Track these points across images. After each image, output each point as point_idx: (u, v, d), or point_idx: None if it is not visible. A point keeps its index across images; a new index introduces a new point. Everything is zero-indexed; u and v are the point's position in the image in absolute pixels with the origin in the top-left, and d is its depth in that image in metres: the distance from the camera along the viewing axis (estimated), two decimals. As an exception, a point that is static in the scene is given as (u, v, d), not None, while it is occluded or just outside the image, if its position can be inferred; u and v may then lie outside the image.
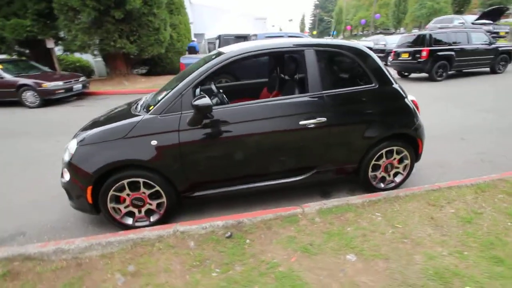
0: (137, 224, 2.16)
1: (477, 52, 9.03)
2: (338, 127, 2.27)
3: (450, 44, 8.77)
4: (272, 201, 2.55)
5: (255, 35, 9.46)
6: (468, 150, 3.57)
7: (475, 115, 5.06)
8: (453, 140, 3.90)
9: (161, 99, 2.05)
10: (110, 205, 2.05)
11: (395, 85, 2.44)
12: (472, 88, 7.51)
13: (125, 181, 2.01)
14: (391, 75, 2.43)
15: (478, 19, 13.63)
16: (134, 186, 2.06)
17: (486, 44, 9.12)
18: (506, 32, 13.20)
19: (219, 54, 2.21)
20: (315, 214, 2.17)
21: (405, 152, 2.52)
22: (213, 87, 2.43)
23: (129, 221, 2.15)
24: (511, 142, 3.74)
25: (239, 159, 2.17)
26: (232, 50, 2.15)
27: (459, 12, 25.23)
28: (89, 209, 2.09)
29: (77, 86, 8.13)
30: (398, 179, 2.62)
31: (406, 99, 2.47)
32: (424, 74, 9.22)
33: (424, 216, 2.15)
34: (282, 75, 3.15)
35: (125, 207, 2.11)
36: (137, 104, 2.46)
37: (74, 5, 8.43)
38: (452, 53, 8.70)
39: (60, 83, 7.63)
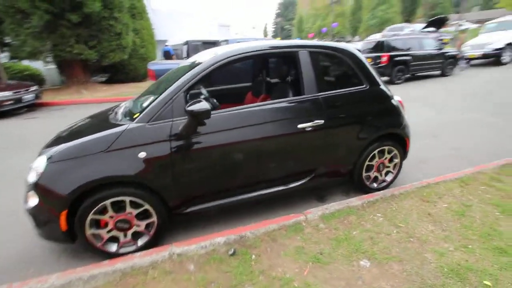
0: (122, 250, 1.88)
1: (429, 57, 9.91)
2: (335, 129, 2.23)
3: (406, 50, 9.52)
4: (268, 211, 2.41)
5: (226, 40, 9.36)
6: (442, 146, 3.80)
7: (440, 114, 5.47)
8: (426, 138, 4.14)
9: (148, 106, 1.83)
10: (89, 232, 1.75)
11: (382, 86, 2.48)
12: (429, 90, 8.18)
13: (107, 202, 1.73)
14: (378, 76, 2.47)
15: (425, 27, 15.07)
16: (118, 207, 1.79)
17: (436, 49, 10.06)
18: (451, 39, 14.74)
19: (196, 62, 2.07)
20: (318, 220, 2.09)
21: (395, 151, 2.57)
22: (203, 90, 2.25)
23: (113, 247, 1.86)
24: (477, 137, 4.06)
25: (237, 167, 2.02)
26: (227, 50, 2.00)
27: (408, 21, 27.73)
28: (63, 238, 1.77)
29: (28, 97, 7.26)
30: (389, 178, 2.65)
31: (393, 100, 2.53)
32: (385, 78, 9.86)
33: (422, 213, 2.18)
34: (268, 79, 3.07)
35: (108, 232, 1.82)
36: (116, 112, 2.18)
37: (22, 7, 7.57)
38: (409, 58, 9.44)
39: (8, 93, 6.75)
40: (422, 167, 3.19)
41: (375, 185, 2.61)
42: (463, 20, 18.69)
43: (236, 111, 1.98)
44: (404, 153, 2.64)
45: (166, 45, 10.58)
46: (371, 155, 2.46)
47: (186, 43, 9.78)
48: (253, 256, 1.78)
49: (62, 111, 7.38)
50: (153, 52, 12.92)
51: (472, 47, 11.62)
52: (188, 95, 1.90)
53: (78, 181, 1.64)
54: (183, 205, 1.97)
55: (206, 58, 2.02)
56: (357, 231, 1.98)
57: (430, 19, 15.69)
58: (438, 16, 15.39)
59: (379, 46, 9.85)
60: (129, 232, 1.87)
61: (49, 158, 1.69)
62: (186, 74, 1.89)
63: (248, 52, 2.02)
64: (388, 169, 2.63)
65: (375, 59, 9.69)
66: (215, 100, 2.18)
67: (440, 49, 10.17)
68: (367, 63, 2.42)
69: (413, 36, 10.22)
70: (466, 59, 11.33)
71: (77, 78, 10.21)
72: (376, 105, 2.41)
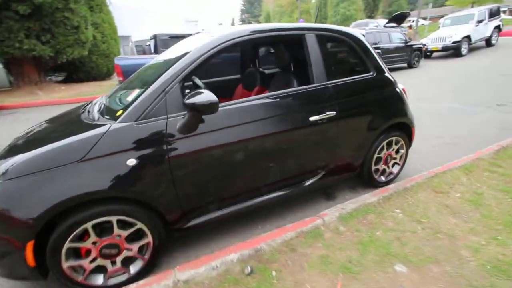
0: (111, 282, 1.50)
1: (397, 50, 10.30)
2: (347, 120, 2.03)
3: (376, 43, 9.77)
4: (273, 215, 2.16)
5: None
6: (426, 135, 3.80)
7: (413, 104, 5.58)
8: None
9: (134, 100, 1.46)
10: (66, 264, 1.36)
11: (387, 73, 2.34)
12: (399, 81, 8.45)
13: (88, 224, 1.35)
14: (383, 64, 2.32)
15: (387, 22, 15.77)
16: (102, 229, 1.42)
17: (403, 42, 10.48)
18: (408, 33, 15.61)
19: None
20: (337, 223, 1.87)
21: (402, 142, 2.45)
22: (198, 81, 1.90)
23: (99, 280, 1.48)
24: (457, 125, 4.16)
25: (246, 168, 1.73)
26: (228, 32, 1.69)
27: (371, 17, 28.97)
28: (30, 275, 1.36)
29: (-32, 100, 6.20)
30: (395, 169, 2.53)
31: (397, 87, 2.40)
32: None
33: (439, 205, 2.07)
34: (261, 69, 2.79)
35: (91, 262, 1.43)
36: (90, 111, 1.77)
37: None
38: (379, 51, 9.70)
39: None
40: (414, 156, 3.14)
41: (383, 178, 2.47)
42: (413, 17, 19.87)
43: (243, 104, 1.68)
44: (409, 143, 2.54)
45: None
46: (380, 146, 2.31)
47: (154, 37, 9.10)
48: (274, 273, 1.52)
49: (14, 115, 6.44)
50: (116, 48, 11.91)
51: (432, 40, 12.31)
52: (183, 86, 1.57)
53: (46, 203, 1.24)
54: (184, 219, 1.64)
55: (199, 43, 1.69)
56: (381, 231, 1.80)
57: (393, 15, 16.45)
58: (400, 12, 16.15)
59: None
60: (118, 259, 1.50)
61: (2, 175, 1.27)
62: (180, 61, 1.55)
63: (253, 34, 1.73)
64: (395, 160, 2.50)
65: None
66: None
67: (407, 42, 10.61)
68: (373, 49, 2.25)
69: (382, 30, 10.55)
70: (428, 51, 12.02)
71: (29, 78, 9.04)
72: (383, 94, 2.26)
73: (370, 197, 2.13)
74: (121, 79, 6.42)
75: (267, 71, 2.82)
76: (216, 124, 1.57)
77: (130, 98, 1.53)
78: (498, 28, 12.57)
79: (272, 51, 7.25)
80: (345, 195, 2.40)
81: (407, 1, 44.88)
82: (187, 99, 1.35)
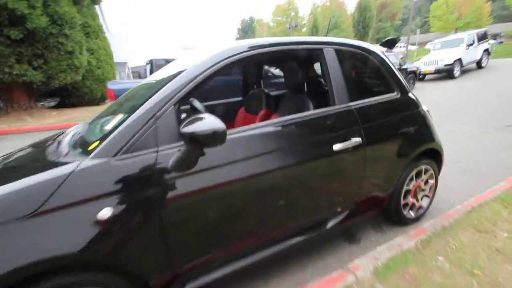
0: None
1: (393, 72, 10.39)
2: (373, 148, 1.71)
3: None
4: (290, 265, 1.76)
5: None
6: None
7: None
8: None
9: (115, 128, 1.12)
10: None
11: (411, 94, 2.07)
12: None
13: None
14: (406, 82, 2.05)
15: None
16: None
17: (397, 66, 10.60)
18: (401, 58, 16.02)
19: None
20: (373, 279, 1.49)
21: (431, 171, 2.12)
22: (197, 104, 1.59)
23: None
24: (471, 148, 3.88)
25: (258, 211, 1.38)
26: (235, 45, 1.40)
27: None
28: None
29: None
30: (425, 203, 2.18)
31: (423, 109, 2.12)
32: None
33: (488, 249, 1.71)
34: (267, 91, 2.51)
35: None
36: (60, 142, 1.41)
37: None
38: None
39: None
40: (440, 183, 2.81)
41: (412, 214, 2.11)
42: (402, 43, 20.72)
43: (255, 131, 1.36)
44: (438, 172, 2.22)
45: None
46: (409, 177, 1.98)
47: (150, 62, 9.02)
48: None
49: (1, 142, 6.02)
50: (112, 74, 11.81)
51: (425, 63, 12.53)
52: (179, 111, 1.25)
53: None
54: (177, 282, 1.24)
55: (196, 60, 1.39)
56: (429, 290, 1.42)
57: (384, 40, 16.98)
58: (391, 38, 16.71)
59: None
60: None
61: None
62: (175, 80, 1.24)
63: (265, 47, 1.45)
64: (424, 192, 2.16)
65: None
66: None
67: (401, 65, 10.74)
68: (395, 67, 2.00)
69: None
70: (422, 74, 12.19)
71: (18, 103, 8.73)
72: (410, 116, 1.97)
73: (405, 241, 1.76)
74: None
75: (274, 92, 2.55)
76: (222, 158, 1.23)
77: (109, 126, 1.19)
78: (487, 51, 12.93)
79: (271, 73, 7.14)
80: (370, 237, 2.02)
81: (394, 28, 47.16)
82: (184, 126, 1.02)
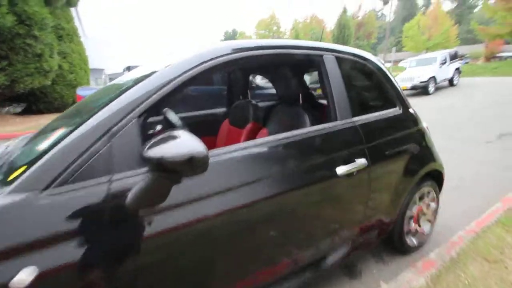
0: None
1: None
2: (378, 171, 1.50)
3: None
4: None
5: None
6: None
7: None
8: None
9: (48, 150, 0.80)
10: None
11: (411, 109, 1.91)
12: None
13: None
14: (405, 97, 1.90)
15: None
16: None
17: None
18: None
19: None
20: (385, 331, 1.23)
21: (433, 193, 1.96)
22: (172, 115, 1.28)
23: None
24: (458, 165, 3.84)
25: (244, 251, 1.09)
26: (218, 47, 1.14)
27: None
28: None
29: None
30: (426, 228, 2.00)
31: (423, 126, 1.96)
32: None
33: (502, 283, 1.53)
34: (254, 101, 2.27)
35: None
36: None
37: None
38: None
39: None
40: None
41: (414, 241, 1.91)
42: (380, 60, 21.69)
43: (243, 152, 1.09)
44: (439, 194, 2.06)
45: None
46: (413, 201, 1.79)
47: (128, 68, 8.58)
48: None
49: None
50: (85, 79, 11.14)
51: (402, 80, 13.01)
52: (146, 125, 0.96)
53: None
54: None
55: (171, 63, 1.11)
56: None
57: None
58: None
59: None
60: None
61: None
62: (140, 85, 0.96)
63: (254, 50, 1.20)
64: (425, 217, 1.98)
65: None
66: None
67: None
68: (395, 80, 1.84)
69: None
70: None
71: (-25, 109, 7.89)
72: (413, 134, 1.80)
73: (414, 276, 1.54)
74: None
75: (261, 104, 2.31)
76: (201, 187, 0.95)
77: (41, 147, 0.86)
78: (458, 70, 13.70)
79: (255, 84, 6.95)
80: (371, 269, 1.78)
81: (370, 46, 49.60)
82: (148, 148, 0.74)
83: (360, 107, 1.53)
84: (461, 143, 4.80)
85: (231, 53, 1.11)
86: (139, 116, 0.89)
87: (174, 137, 0.76)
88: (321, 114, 1.81)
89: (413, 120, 1.85)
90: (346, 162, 1.33)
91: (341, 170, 1.29)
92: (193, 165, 0.73)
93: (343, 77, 1.45)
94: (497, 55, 29.51)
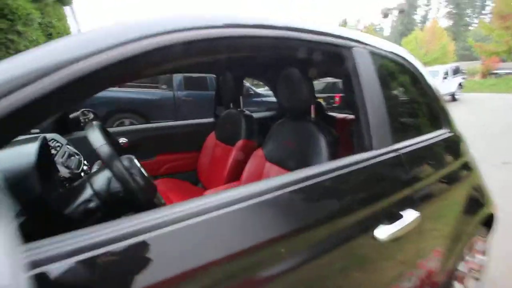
0: None
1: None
2: (431, 222, 0.99)
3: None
4: None
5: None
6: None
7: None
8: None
9: None
10: None
11: (458, 130, 1.43)
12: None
13: None
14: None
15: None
16: None
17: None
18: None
19: None
20: None
21: (483, 242, 1.46)
22: (95, 134, 0.75)
23: None
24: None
25: None
26: (181, 16, 0.63)
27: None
28: None
29: None
30: (473, 288, 1.49)
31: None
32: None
33: None
34: (247, 111, 1.77)
35: None
36: None
37: None
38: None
39: None
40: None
41: (460, 309, 1.40)
42: None
43: (240, 205, 0.58)
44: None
45: None
46: (460, 256, 1.29)
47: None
48: None
49: None
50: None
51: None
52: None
53: None
54: None
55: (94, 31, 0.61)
56: None
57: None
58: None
59: (330, 88, 9.81)
60: None
61: None
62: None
63: (247, 28, 0.70)
64: (473, 274, 1.47)
65: (328, 100, 9.52)
66: (135, 163, 0.75)
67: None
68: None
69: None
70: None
71: None
72: (466, 164, 1.31)
73: None
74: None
75: (256, 115, 1.82)
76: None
77: None
78: (460, 85, 13.48)
79: (252, 90, 6.49)
80: None
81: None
82: None
83: (401, 128, 1.04)
84: (480, 165, 4.36)
85: (203, 28, 0.61)
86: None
87: None
88: (338, 132, 1.33)
89: (464, 146, 1.36)
90: (389, 217, 0.82)
91: (382, 232, 0.78)
92: None
93: (381, 82, 0.95)
94: (493, 71, 29.80)
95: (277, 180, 0.68)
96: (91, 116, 1.80)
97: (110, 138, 0.88)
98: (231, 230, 0.58)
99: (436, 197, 1.05)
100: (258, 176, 1.34)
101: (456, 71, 13.39)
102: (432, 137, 1.14)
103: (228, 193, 0.60)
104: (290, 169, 1.19)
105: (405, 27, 49.99)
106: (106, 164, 0.65)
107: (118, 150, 0.94)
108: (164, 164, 1.96)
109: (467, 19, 51.45)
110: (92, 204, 0.65)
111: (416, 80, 1.20)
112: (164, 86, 5.62)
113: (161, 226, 0.50)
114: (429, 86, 1.26)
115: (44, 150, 0.76)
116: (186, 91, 5.61)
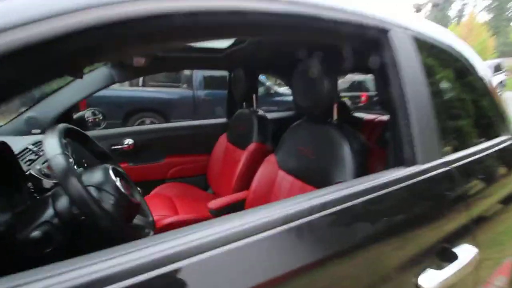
0: None
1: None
2: (487, 251, 0.76)
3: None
4: None
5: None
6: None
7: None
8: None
9: None
10: None
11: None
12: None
13: None
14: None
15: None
16: None
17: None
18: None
19: None
20: None
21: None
22: (50, 140, 0.60)
23: None
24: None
25: None
26: None
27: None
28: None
29: None
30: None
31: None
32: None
33: None
34: (261, 111, 1.60)
35: None
36: None
37: None
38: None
39: None
40: None
41: None
42: None
43: (248, 241, 0.41)
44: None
45: None
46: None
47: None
48: None
49: None
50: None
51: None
52: None
53: None
54: None
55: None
56: None
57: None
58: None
59: (356, 86, 9.39)
60: None
61: None
62: None
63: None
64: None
65: (354, 99, 9.11)
66: (110, 177, 0.61)
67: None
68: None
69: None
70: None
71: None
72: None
73: None
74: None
75: (271, 115, 1.65)
76: None
77: None
78: (502, 83, 12.35)
79: (273, 90, 6.31)
80: None
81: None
82: None
83: (453, 135, 0.81)
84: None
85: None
86: None
87: None
88: (366, 137, 1.11)
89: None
90: (439, 257, 0.61)
91: (430, 280, 0.57)
92: None
93: (427, 77, 0.73)
94: (540, 69, 27.10)
95: (273, 212, 0.49)
96: (101, 116, 1.71)
97: (89, 145, 0.74)
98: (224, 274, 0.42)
99: (495, 222, 0.81)
100: (269, 186, 1.17)
101: (497, 68, 12.27)
102: (490, 146, 0.89)
103: (232, 222, 0.43)
104: (306, 182, 1.00)
105: (439, 22, 47.02)
106: (59, 180, 0.51)
107: (105, 158, 0.81)
108: (173, 166, 1.84)
109: (508, 13, 47.16)
110: (50, 228, 0.52)
111: (471, 75, 0.95)
112: (184, 85, 5.61)
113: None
114: (486, 84, 1.01)
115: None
116: (206, 90, 5.56)
